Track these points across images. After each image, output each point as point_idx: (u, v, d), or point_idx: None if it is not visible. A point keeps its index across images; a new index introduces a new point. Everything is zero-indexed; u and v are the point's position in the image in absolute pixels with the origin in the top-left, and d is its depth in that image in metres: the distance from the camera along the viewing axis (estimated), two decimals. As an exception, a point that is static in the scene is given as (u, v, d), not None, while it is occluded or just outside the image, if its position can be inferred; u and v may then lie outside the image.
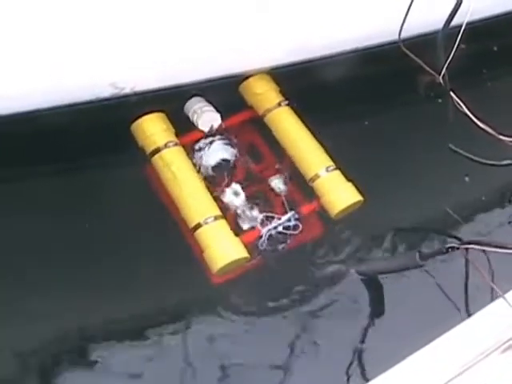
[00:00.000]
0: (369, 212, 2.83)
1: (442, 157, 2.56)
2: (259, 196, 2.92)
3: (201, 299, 2.77)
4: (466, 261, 2.71)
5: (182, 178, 2.70)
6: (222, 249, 2.58)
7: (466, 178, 2.93)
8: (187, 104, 2.93)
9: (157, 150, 2.74)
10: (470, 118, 2.28)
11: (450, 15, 2.13)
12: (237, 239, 2.62)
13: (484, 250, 2.48)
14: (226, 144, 2.95)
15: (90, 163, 2.98)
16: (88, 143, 2.77)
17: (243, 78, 2.95)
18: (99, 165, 2.98)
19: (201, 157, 2.90)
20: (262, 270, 2.76)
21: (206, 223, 2.61)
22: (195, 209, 2.65)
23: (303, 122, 2.92)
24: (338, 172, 2.82)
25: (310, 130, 2.90)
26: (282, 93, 2.97)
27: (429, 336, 2.08)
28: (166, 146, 2.75)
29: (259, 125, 2.99)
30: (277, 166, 2.98)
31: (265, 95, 2.94)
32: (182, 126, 2.86)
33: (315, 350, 2.65)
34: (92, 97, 2.56)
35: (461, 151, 2.47)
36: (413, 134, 3.00)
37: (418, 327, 2.62)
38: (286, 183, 2.92)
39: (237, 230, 2.72)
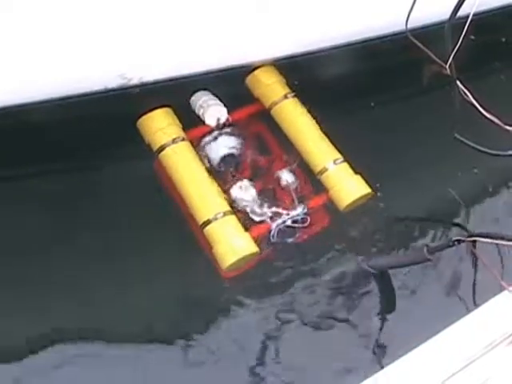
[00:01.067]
0: (377, 204, 2.84)
1: (448, 147, 2.52)
2: (268, 190, 2.90)
3: (211, 294, 2.75)
4: (473, 253, 2.71)
5: (190, 173, 2.70)
6: (232, 245, 2.57)
7: (475, 170, 2.91)
8: (193, 98, 2.91)
9: (164, 146, 2.72)
10: (476, 108, 2.26)
11: (457, 5, 2.11)
12: (246, 234, 2.61)
13: (491, 243, 2.47)
14: (233, 137, 2.93)
15: (95, 158, 2.95)
16: (94, 136, 2.76)
17: (249, 70, 2.92)
18: (105, 159, 2.96)
19: (208, 151, 2.89)
20: (272, 263, 2.74)
21: (216, 219, 2.60)
22: (204, 205, 2.64)
23: (310, 113, 2.90)
24: (345, 164, 2.81)
25: (316, 122, 2.88)
26: (289, 85, 2.95)
27: (435, 328, 2.08)
28: (173, 141, 2.73)
29: (266, 117, 2.97)
30: (284, 159, 2.96)
31: (271, 87, 2.92)
32: (190, 120, 2.84)
33: (327, 344, 2.65)
34: (100, 87, 2.54)
35: (466, 141, 2.43)
36: (419, 125, 2.99)
37: (424, 320, 2.63)
38: (294, 176, 2.90)
39: (247, 224, 2.71)
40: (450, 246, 2.48)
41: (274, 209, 2.79)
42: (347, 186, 2.77)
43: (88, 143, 2.80)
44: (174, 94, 2.75)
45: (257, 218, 2.79)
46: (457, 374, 1.80)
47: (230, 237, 2.58)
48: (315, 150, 2.84)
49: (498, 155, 2.45)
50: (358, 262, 2.81)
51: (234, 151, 2.91)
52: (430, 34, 2.35)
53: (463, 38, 2.05)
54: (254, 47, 2.77)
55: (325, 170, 2.79)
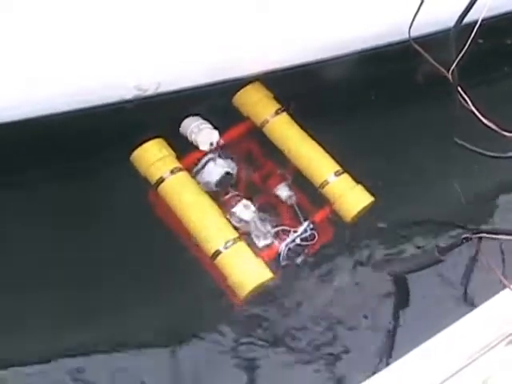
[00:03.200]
0: (380, 211, 2.82)
1: (448, 150, 2.55)
2: (268, 208, 2.86)
3: (225, 321, 2.70)
4: (476, 252, 2.72)
5: (193, 204, 2.63)
6: (247, 273, 2.52)
7: (475, 167, 2.93)
8: (183, 125, 2.85)
9: (163, 179, 2.64)
10: (475, 115, 2.27)
11: (465, 10, 2.10)
12: (259, 260, 2.56)
13: (498, 240, 2.49)
14: (226, 159, 2.87)
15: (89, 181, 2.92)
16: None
17: (237, 88, 2.86)
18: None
19: (203, 175, 2.82)
20: (285, 284, 2.72)
21: (226, 248, 2.54)
22: (213, 235, 2.57)
23: (302, 126, 2.86)
24: (346, 175, 2.78)
25: (310, 134, 2.84)
26: (278, 99, 2.90)
27: (434, 328, 2.08)
28: (171, 172, 2.65)
29: (257, 135, 2.91)
30: (279, 175, 2.92)
31: (261, 105, 2.88)
32: (182, 145, 2.79)
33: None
34: (116, 99, 2.49)
35: (466, 144, 2.45)
36: (418, 131, 2.98)
37: (424, 320, 2.67)
38: (291, 191, 2.87)
39: (253, 248, 2.64)
40: (460, 245, 2.48)
41: (279, 227, 2.75)
42: (351, 197, 2.75)
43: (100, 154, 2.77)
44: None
45: (262, 239, 2.74)
46: (456, 374, 1.79)
47: (244, 265, 2.53)
48: (314, 164, 2.80)
49: (498, 157, 2.47)
50: (372, 271, 2.78)
51: (228, 173, 2.85)
52: (431, 41, 2.34)
53: (470, 43, 2.04)
54: (256, 58, 2.68)
55: (326, 183, 2.76)
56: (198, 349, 2.68)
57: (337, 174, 2.77)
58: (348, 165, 2.78)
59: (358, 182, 2.78)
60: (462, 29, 2.12)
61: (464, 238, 2.52)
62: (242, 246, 2.57)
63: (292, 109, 2.86)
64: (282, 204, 2.88)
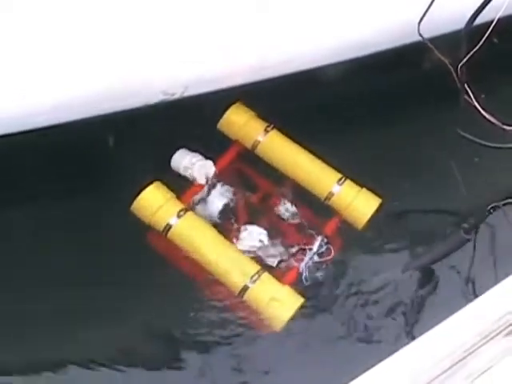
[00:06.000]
0: (390, 210, 2.79)
1: (451, 142, 2.56)
2: (273, 229, 2.79)
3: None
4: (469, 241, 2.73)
5: (208, 243, 2.55)
6: (280, 304, 2.46)
7: (476, 159, 2.93)
8: (174, 160, 2.75)
9: (170, 225, 2.54)
10: (478, 110, 2.30)
11: (479, 9, 2.10)
12: (287, 288, 2.51)
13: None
14: (223, 187, 2.79)
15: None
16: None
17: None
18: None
19: (204, 209, 2.74)
20: (315, 305, 2.67)
21: (254, 282, 2.47)
22: (236, 271, 2.50)
23: (293, 139, 2.80)
24: (348, 182, 2.75)
25: (302, 145, 2.79)
26: (261, 116, 2.83)
27: (432, 320, 2.11)
28: (178, 216, 2.55)
29: (248, 156, 2.84)
30: (279, 194, 2.85)
31: (248, 127, 2.80)
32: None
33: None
34: (140, 104, 2.42)
35: (469, 136, 2.48)
36: (420, 125, 2.97)
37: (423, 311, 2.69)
38: (294, 208, 2.81)
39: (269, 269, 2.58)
40: (486, 217, 2.50)
41: (295, 248, 2.69)
42: (359, 205, 2.71)
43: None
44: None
45: (275, 259, 2.68)
46: (455, 365, 1.79)
47: (275, 296, 2.46)
48: (315, 177, 2.75)
49: (500, 148, 2.50)
50: (398, 269, 2.76)
51: (228, 201, 2.77)
52: (440, 40, 2.32)
53: (484, 42, 2.04)
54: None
55: (331, 194, 2.72)
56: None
57: (340, 182, 2.73)
58: (348, 169, 2.74)
59: (361, 185, 2.75)
60: (475, 28, 2.11)
61: (491, 208, 2.53)
62: (266, 276, 2.51)
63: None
64: (286, 222, 2.81)
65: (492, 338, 1.85)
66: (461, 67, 2.17)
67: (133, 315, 2.64)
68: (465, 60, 2.13)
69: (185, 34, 2.34)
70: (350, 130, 2.94)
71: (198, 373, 2.56)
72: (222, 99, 2.73)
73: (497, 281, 2.06)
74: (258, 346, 2.57)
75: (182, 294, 2.66)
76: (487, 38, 2.07)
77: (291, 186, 2.82)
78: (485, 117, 2.31)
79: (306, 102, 2.89)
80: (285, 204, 2.82)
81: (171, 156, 2.78)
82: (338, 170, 2.76)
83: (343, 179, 2.73)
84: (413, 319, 2.71)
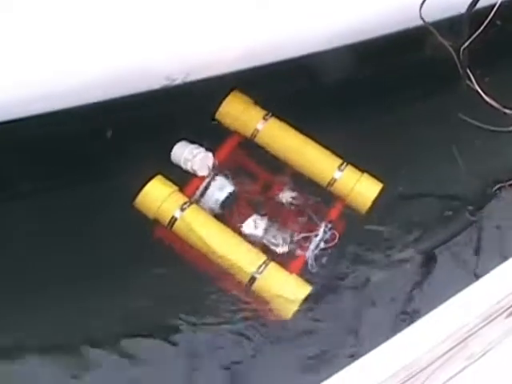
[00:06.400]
0: (392, 195, 2.80)
1: (453, 126, 2.59)
2: (276, 217, 2.78)
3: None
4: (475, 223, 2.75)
5: (213, 235, 2.54)
6: (289, 293, 2.46)
7: (477, 142, 2.92)
8: (173, 154, 2.72)
9: (175, 218, 2.53)
10: (480, 95, 2.30)
11: None
12: (294, 276, 2.51)
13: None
14: (223, 178, 2.76)
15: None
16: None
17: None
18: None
19: (206, 201, 2.71)
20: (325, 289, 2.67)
21: (261, 273, 2.47)
22: (242, 263, 2.50)
23: (292, 125, 2.78)
24: (350, 167, 2.74)
25: (302, 131, 2.77)
26: (260, 103, 2.81)
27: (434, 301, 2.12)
28: (181, 209, 2.54)
29: (246, 145, 2.83)
30: (279, 182, 2.84)
31: (246, 115, 2.78)
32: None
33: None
34: (142, 90, 2.38)
35: (469, 119, 2.49)
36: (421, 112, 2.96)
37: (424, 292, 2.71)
38: (295, 195, 2.80)
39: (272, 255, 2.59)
40: (491, 198, 2.50)
41: (300, 235, 2.69)
42: (362, 189, 2.70)
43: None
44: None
45: (280, 247, 2.67)
46: (456, 347, 1.78)
47: (283, 286, 2.47)
48: (316, 164, 2.74)
49: (501, 132, 2.50)
50: (405, 253, 2.77)
51: (228, 191, 2.75)
52: (442, 24, 2.31)
53: (487, 24, 2.03)
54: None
55: (334, 180, 2.71)
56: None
57: (341, 168, 2.72)
58: (349, 155, 2.73)
59: (362, 170, 2.74)
60: (477, 12, 2.09)
61: (498, 189, 2.54)
62: (274, 266, 2.51)
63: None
64: (288, 210, 2.80)
65: (494, 319, 1.85)
66: (463, 51, 2.15)
67: (137, 309, 2.63)
68: (466, 44, 2.12)
69: (186, 15, 2.32)
70: (350, 115, 2.94)
71: (209, 363, 2.55)
72: (218, 88, 2.70)
73: (500, 262, 2.06)
74: (267, 334, 2.57)
75: (190, 286, 2.65)
76: (490, 20, 2.05)
77: (291, 174, 2.81)
78: (486, 101, 2.30)
79: (305, 87, 2.86)
80: (286, 192, 2.81)
81: (169, 144, 2.76)
82: (339, 156, 2.75)
83: (344, 165, 2.73)
84: (416, 301, 2.72)
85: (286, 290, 2.46)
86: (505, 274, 2.00)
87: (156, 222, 2.59)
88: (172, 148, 2.73)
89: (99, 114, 2.45)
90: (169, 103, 2.56)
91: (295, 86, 2.82)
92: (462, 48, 2.15)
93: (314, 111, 2.82)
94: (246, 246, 2.55)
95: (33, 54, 2.19)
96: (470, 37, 2.12)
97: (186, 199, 2.58)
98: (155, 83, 2.37)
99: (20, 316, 2.56)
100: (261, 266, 2.48)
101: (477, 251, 2.77)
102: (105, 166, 2.83)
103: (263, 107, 2.81)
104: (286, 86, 2.78)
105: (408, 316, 2.70)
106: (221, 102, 2.77)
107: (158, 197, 2.54)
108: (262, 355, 2.55)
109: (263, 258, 2.51)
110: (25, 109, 2.25)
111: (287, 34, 2.42)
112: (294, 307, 2.45)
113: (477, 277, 2.59)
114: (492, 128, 2.49)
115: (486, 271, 1.98)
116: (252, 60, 2.43)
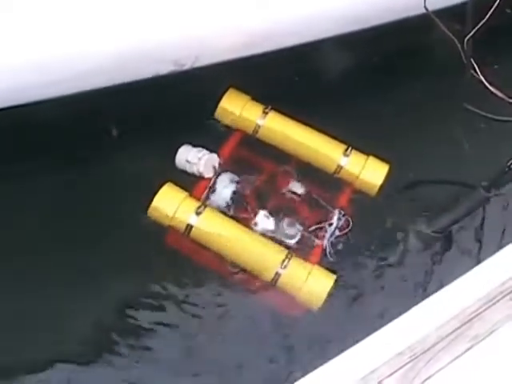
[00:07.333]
0: (402, 180, 2.81)
1: (458, 115, 2.64)
2: (285, 209, 2.77)
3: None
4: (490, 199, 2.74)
5: (232, 236, 2.52)
6: (315, 285, 2.47)
7: (482, 125, 2.88)
8: (178, 159, 2.70)
9: (191, 224, 2.50)
10: (484, 85, 2.32)
11: None
12: (317, 267, 2.51)
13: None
14: (228, 175, 2.75)
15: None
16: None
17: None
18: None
19: (213, 200, 2.69)
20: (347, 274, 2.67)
21: (285, 268, 2.46)
22: (267, 259, 2.49)
23: (293, 116, 2.78)
24: (355, 152, 2.75)
25: (303, 121, 2.78)
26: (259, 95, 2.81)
27: (443, 281, 2.13)
28: (197, 214, 2.51)
29: (248, 140, 2.82)
30: (285, 174, 2.82)
31: (246, 112, 2.77)
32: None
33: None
34: (150, 75, 2.37)
35: (475, 109, 2.55)
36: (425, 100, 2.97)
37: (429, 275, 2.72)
38: (302, 186, 2.79)
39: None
40: (506, 173, 2.53)
41: (314, 226, 2.68)
42: (369, 172, 2.71)
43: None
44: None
45: (291, 240, 2.66)
46: (459, 329, 1.80)
47: (308, 278, 2.46)
48: (321, 152, 2.74)
49: (507, 121, 2.55)
50: (418, 233, 2.78)
51: (235, 189, 2.74)
52: (447, 13, 2.31)
53: (494, 13, 2.03)
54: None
55: (340, 167, 2.72)
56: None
57: (346, 153, 2.73)
58: (354, 143, 2.74)
59: (367, 153, 2.75)
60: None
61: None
62: (296, 260, 2.50)
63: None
64: (297, 201, 2.79)
65: (497, 302, 1.86)
66: (467, 41, 2.16)
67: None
68: (471, 34, 2.12)
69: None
70: (355, 104, 2.93)
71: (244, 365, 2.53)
72: (215, 86, 2.72)
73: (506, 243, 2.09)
74: (298, 327, 2.56)
75: (213, 288, 2.63)
76: (496, 9, 2.05)
77: (296, 165, 2.80)
78: (491, 91, 2.32)
79: (308, 76, 2.86)
80: (293, 183, 2.80)
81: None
82: (343, 142, 2.75)
83: (349, 150, 2.73)
84: (434, 279, 2.73)
85: (312, 283, 2.46)
86: (508, 256, 2.02)
87: (167, 228, 2.55)
88: (170, 144, 2.72)
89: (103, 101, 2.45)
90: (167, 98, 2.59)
91: (292, 75, 2.81)
92: (466, 39, 2.15)
93: (313, 101, 2.82)
94: (266, 243, 2.54)
95: (36, 39, 2.15)
96: (474, 27, 2.11)
97: (199, 203, 2.54)
98: (163, 68, 2.34)
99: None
100: (284, 261, 2.47)
101: (481, 233, 2.80)
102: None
103: (260, 100, 2.80)
104: (283, 76, 2.76)
105: (413, 296, 2.69)
106: (218, 101, 2.74)
107: (170, 205, 2.50)
108: (297, 349, 2.53)
109: (284, 252, 2.50)
110: (33, 94, 2.25)
111: (290, 21, 2.41)
112: (322, 298, 2.45)
113: (479, 259, 2.67)
114: (497, 117, 2.50)
115: (489, 253, 2.00)
116: (256, 47, 2.43)
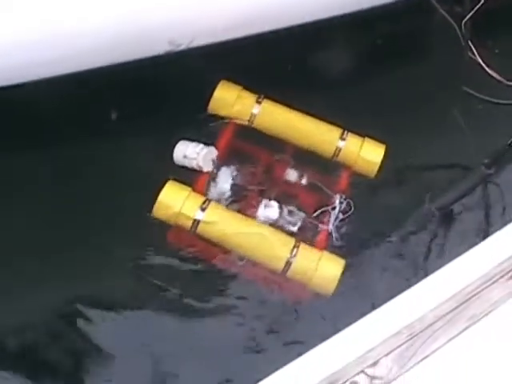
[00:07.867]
0: (399, 159, 2.80)
1: (457, 98, 2.65)
2: (285, 197, 2.77)
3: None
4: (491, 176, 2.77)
5: (241, 230, 2.51)
6: (326, 270, 2.48)
7: (480, 106, 2.85)
8: (176, 155, 2.67)
9: (198, 220, 2.48)
10: (482, 67, 2.33)
11: None
12: (326, 253, 2.52)
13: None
14: (226, 167, 2.73)
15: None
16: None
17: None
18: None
19: (213, 193, 2.67)
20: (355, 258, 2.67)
21: (294, 256, 2.46)
22: (275, 250, 2.48)
23: (287, 104, 2.77)
24: (351, 134, 2.75)
25: (297, 108, 2.77)
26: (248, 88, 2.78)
27: (443, 260, 2.16)
28: (202, 209, 2.49)
29: (242, 131, 2.79)
30: (282, 162, 2.81)
31: (240, 103, 2.75)
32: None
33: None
34: (146, 55, 2.34)
35: (474, 92, 2.56)
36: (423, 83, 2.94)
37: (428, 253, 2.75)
38: (300, 172, 2.79)
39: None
40: (506, 151, 2.55)
41: (318, 211, 2.68)
42: (367, 154, 2.72)
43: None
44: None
45: (294, 227, 2.66)
46: (458, 307, 1.82)
47: (319, 265, 2.47)
48: (319, 136, 2.74)
49: (506, 104, 2.59)
50: (421, 212, 2.79)
51: (234, 181, 2.72)
52: None
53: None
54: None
55: (338, 150, 2.72)
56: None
57: (343, 137, 2.73)
58: (350, 123, 2.74)
59: (362, 135, 2.76)
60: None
61: None
62: (304, 248, 2.51)
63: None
64: (297, 187, 2.79)
65: (496, 281, 1.87)
66: (465, 23, 2.16)
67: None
68: (469, 16, 2.12)
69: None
70: (354, 88, 2.92)
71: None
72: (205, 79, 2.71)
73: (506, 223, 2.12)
74: (312, 313, 2.56)
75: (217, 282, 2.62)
76: None
77: (293, 152, 2.79)
78: (488, 73, 2.32)
79: (304, 57, 2.85)
80: (291, 170, 2.79)
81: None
82: (341, 127, 2.75)
83: (346, 133, 2.74)
84: (425, 260, 2.75)
85: (322, 269, 2.46)
86: (507, 236, 2.03)
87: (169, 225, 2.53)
88: (164, 139, 2.70)
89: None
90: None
91: (286, 63, 2.78)
92: (464, 21, 2.16)
93: (308, 86, 2.81)
94: (274, 233, 2.53)
95: (31, 18, 2.12)
96: (472, 9, 2.12)
97: (203, 198, 2.52)
98: (159, 48, 2.31)
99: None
100: (293, 249, 2.46)
101: (482, 212, 2.81)
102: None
103: (252, 89, 2.78)
104: (274, 64, 2.74)
105: (413, 274, 2.69)
106: (211, 95, 2.71)
107: (175, 203, 2.48)
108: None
109: (292, 240, 2.50)
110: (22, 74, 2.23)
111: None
112: (334, 283, 2.46)
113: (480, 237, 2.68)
114: (495, 100, 2.52)
115: (490, 232, 2.01)
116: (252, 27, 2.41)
